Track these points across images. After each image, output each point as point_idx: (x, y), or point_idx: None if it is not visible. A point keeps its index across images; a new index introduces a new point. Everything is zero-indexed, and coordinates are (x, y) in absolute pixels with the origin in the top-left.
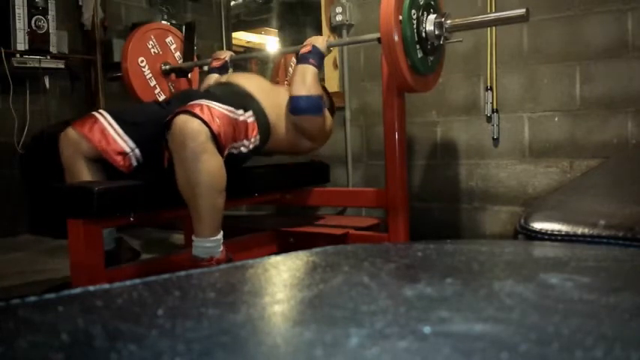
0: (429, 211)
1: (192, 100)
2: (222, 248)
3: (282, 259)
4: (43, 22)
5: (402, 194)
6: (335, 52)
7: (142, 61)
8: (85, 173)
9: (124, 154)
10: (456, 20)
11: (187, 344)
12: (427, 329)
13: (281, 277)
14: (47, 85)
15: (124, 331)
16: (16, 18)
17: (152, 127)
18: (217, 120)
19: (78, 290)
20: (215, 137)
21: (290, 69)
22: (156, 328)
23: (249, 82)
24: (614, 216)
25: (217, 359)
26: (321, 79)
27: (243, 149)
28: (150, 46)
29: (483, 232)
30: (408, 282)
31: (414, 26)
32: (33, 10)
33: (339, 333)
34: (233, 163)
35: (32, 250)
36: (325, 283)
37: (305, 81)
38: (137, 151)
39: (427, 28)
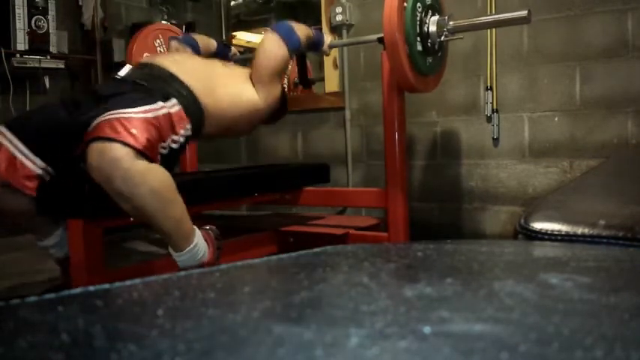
0: (429, 211)
1: (103, 107)
2: (205, 248)
3: (282, 259)
4: (43, 22)
5: (402, 194)
6: (335, 52)
7: None
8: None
9: (34, 177)
10: (459, 21)
11: (187, 344)
12: (427, 329)
13: (281, 277)
14: (47, 85)
15: (124, 331)
16: (16, 18)
17: (60, 138)
18: (136, 132)
19: (78, 290)
20: (142, 152)
21: (290, 68)
22: (156, 328)
23: (173, 62)
24: (614, 216)
25: (217, 359)
26: (320, 79)
27: (173, 145)
28: (157, 45)
29: (483, 232)
30: (408, 282)
31: (417, 28)
32: (33, 10)
33: (339, 333)
34: (167, 161)
35: (32, 250)
36: (325, 283)
37: (295, 23)
38: (49, 169)
39: (430, 30)
